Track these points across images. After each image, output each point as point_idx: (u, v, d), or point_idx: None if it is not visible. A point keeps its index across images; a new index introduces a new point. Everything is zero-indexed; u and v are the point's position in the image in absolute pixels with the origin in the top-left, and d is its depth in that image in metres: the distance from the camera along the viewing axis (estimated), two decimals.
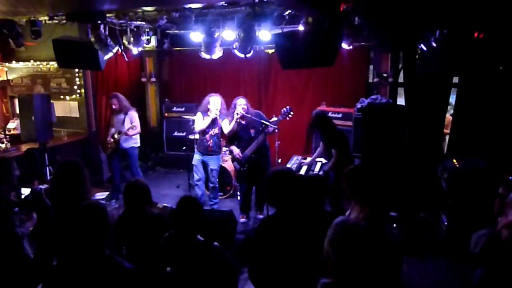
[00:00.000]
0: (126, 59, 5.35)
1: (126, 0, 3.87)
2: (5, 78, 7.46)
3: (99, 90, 7.26)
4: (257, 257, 2.54)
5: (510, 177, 3.25)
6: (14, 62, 7.22)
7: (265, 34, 4.40)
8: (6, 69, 7.40)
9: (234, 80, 7.71)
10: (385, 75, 6.40)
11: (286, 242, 2.42)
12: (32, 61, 7.10)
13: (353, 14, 4.07)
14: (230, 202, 6.16)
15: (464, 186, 4.47)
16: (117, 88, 7.39)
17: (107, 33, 4.34)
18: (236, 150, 5.30)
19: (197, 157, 5.58)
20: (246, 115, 5.15)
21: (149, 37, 5.16)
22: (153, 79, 8.25)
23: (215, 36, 4.45)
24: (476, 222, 3.37)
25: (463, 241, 3.15)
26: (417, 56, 5.23)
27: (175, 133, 7.87)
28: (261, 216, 5.49)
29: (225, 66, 7.31)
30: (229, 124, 5.24)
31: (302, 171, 5.45)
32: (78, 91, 7.02)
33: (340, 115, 6.54)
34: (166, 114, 7.99)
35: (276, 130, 5.17)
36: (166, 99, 8.20)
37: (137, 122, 6.01)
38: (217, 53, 4.64)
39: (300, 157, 6.08)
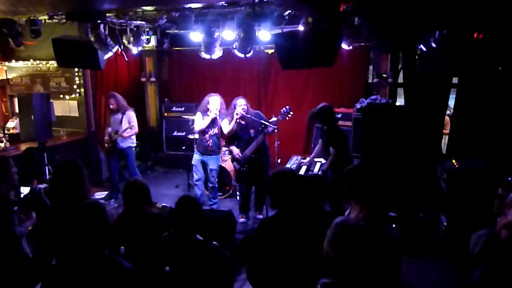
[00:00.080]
0: (126, 59, 5.35)
1: (126, 0, 3.86)
2: (5, 77, 7.45)
3: (99, 90, 7.25)
4: (256, 258, 2.53)
5: (510, 178, 3.25)
6: (13, 61, 7.21)
7: (265, 34, 4.40)
8: (5, 68, 7.39)
9: (233, 80, 7.71)
10: (384, 75, 6.41)
11: (286, 243, 2.42)
12: (31, 60, 7.10)
13: (353, 14, 4.08)
14: (229, 202, 6.16)
15: (464, 187, 4.48)
16: (117, 88, 7.38)
17: (107, 32, 4.34)
18: (235, 150, 5.30)
19: (196, 157, 5.58)
20: (246, 115, 5.15)
21: (148, 37, 5.16)
22: (153, 79, 8.24)
23: (215, 36, 4.45)
24: (475, 223, 3.37)
25: (463, 241, 3.15)
26: (416, 57, 5.24)
27: (175, 133, 7.87)
28: (261, 216, 5.49)
29: (225, 66, 7.31)
30: (229, 124, 5.24)
31: (302, 171, 5.45)
32: (78, 90, 7.01)
33: (339, 115, 6.52)
34: (165, 114, 7.98)
35: (276, 130, 5.17)
36: (166, 99, 8.19)
37: (135, 122, 6.01)
38: (217, 53, 4.65)
39: (299, 157, 6.08)
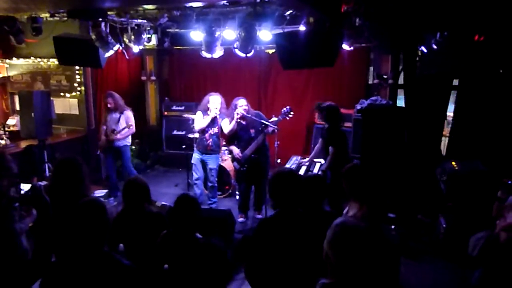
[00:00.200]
0: (127, 57, 5.34)
1: None
2: (5, 75, 7.45)
3: (99, 88, 7.26)
4: (255, 257, 2.54)
5: (509, 181, 3.25)
6: (14, 58, 7.22)
7: (265, 34, 4.40)
8: (6, 65, 7.40)
9: (234, 79, 7.71)
10: (385, 76, 6.41)
11: (284, 243, 2.42)
12: (32, 58, 7.10)
13: (354, 15, 4.08)
14: (228, 201, 6.16)
15: (463, 189, 4.48)
16: (117, 86, 7.39)
17: (108, 31, 4.34)
18: (236, 150, 5.30)
19: (196, 156, 5.58)
20: (247, 115, 5.16)
21: (149, 36, 5.17)
22: (153, 78, 8.25)
23: (216, 35, 4.45)
24: (474, 225, 3.38)
25: (462, 243, 3.15)
26: (417, 58, 5.24)
27: (175, 132, 7.87)
28: (260, 216, 5.49)
29: (226, 66, 7.31)
30: (229, 124, 5.24)
31: (301, 172, 5.45)
32: (78, 88, 7.02)
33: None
34: (165, 113, 7.98)
35: (276, 130, 5.17)
36: (166, 98, 8.19)
37: (133, 122, 6.00)
38: (218, 52, 4.65)
39: (299, 157, 6.09)
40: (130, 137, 6.14)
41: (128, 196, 2.88)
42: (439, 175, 4.89)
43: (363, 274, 1.59)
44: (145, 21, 4.89)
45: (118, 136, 5.86)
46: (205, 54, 4.65)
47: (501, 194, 3.21)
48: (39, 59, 7.08)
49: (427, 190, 5.14)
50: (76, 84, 7.00)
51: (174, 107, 7.89)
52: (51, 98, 6.17)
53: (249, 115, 5.18)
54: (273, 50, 6.56)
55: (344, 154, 4.78)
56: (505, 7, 3.98)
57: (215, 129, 5.42)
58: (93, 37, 4.30)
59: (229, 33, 4.53)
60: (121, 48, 4.61)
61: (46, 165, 5.84)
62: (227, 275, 1.94)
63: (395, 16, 3.92)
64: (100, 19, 4.21)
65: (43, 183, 2.82)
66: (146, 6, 4.37)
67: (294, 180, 2.56)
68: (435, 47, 4.52)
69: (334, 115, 4.87)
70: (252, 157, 5.24)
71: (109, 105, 5.96)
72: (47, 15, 4.57)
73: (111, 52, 4.49)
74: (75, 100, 7.06)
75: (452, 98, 5.76)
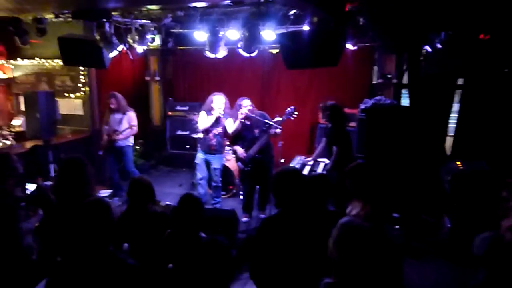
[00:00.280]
0: (131, 58, 5.36)
1: None
2: (11, 76, 7.50)
3: (103, 88, 7.27)
4: (258, 256, 2.54)
5: None
6: (19, 59, 7.26)
7: (269, 33, 4.40)
8: (11, 66, 7.44)
9: (237, 79, 7.71)
10: (389, 76, 6.39)
11: (287, 241, 2.43)
12: (37, 58, 7.14)
13: (358, 14, 4.07)
14: (232, 201, 6.17)
15: (467, 189, 4.46)
16: (121, 87, 7.40)
17: (112, 31, 4.36)
18: (240, 150, 5.30)
19: (200, 156, 5.59)
20: (251, 115, 5.16)
21: (153, 36, 5.18)
22: (157, 78, 8.26)
23: (220, 35, 4.46)
24: (479, 225, 3.36)
25: (466, 243, 3.13)
26: (421, 58, 5.22)
27: (179, 132, 7.88)
28: (264, 216, 5.49)
29: (229, 66, 7.31)
30: (233, 124, 5.24)
31: (305, 171, 5.45)
32: (83, 89, 7.05)
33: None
34: (169, 113, 8.00)
35: (279, 131, 5.16)
36: (170, 98, 8.21)
37: (135, 122, 6.01)
38: (222, 52, 4.65)
39: (303, 157, 6.08)
40: (132, 137, 6.15)
41: (133, 195, 2.89)
42: (444, 175, 4.87)
43: (367, 274, 1.59)
44: (149, 21, 4.90)
45: (120, 136, 5.87)
46: (208, 54, 4.66)
47: (505, 194, 3.20)
48: (43, 60, 7.11)
49: (432, 190, 5.12)
50: (80, 85, 7.03)
51: (178, 107, 7.91)
52: (56, 99, 6.20)
53: (253, 115, 5.18)
54: (277, 50, 6.56)
55: (348, 154, 4.77)
56: (509, 6, 3.96)
57: (219, 129, 5.42)
58: (97, 37, 4.32)
59: (233, 33, 4.53)
60: (125, 48, 4.63)
61: (51, 165, 5.86)
62: (231, 271, 1.95)
63: (399, 15, 3.91)
64: (104, 20, 4.23)
65: (48, 183, 2.84)
66: (150, 7, 4.38)
67: (297, 178, 2.57)
68: (439, 46, 4.50)
69: (338, 115, 4.86)
70: (256, 157, 5.24)
71: (111, 106, 5.98)
72: (52, 16, 4.60)
73: (115, 53, 4.50)
74: (80, 101, 7.09)
75: (457, 98, 5.74)
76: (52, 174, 5.74)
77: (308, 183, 2.76)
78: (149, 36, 4.90)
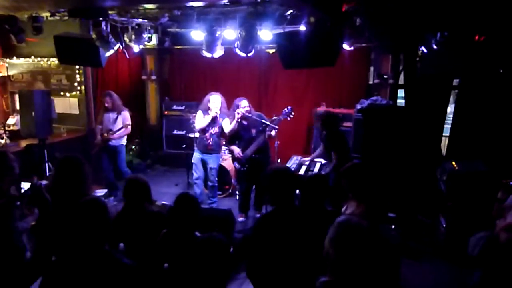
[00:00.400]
0: (127, 57, 5.34)
1: None
2: (6, 74, 7.45)
3: (99, 87, 7.25)
4: (255, 254, 2.55)
5: (511, 182, 3.25)
6: (14, 58, 7.22)
7: (266, 33, 4.40)
8: (6, 64, 7.40)
9: (234, 79, 7.70)
10: (385, 76, 6.41)
11: (283, 239, 2.44)
12: (33, 57, 7.10)
13: (355, 15, 4.08)
14: (229, 201, 6.16)
15: (463, 189, 4.48)
16: (117, 86, 7.39)
17: (108, 30, 4.34)
18: (236, 149, 5.30)
19: (196, 155, 5.58)
20: (247, 115, 5.16)
21: (150, 35, 5.16)
22: (154, 77, 8.24)
23: (217, 35, 4.45)
24: (474, 225, 3.38)
25: (462, 243, 3.15)
26: (417, 58, 5.24)
27: (175, 131, 7.87)
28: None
29: (226, 65, 7.30)
30: (230, 124, 5.24)
31: (302, 171, 5.46)
32: (78, 88, 7.02)
33: (340, 116, 6.54)
34: (166, 112, 7.98)
35: (275, 131, 5.17)
36: (166, 97, 8.19)
37: (130, 122, 5.97)
38: (218, 52, 4.65)
39: (299, 157, 6.09)
40: (125, 137, 6.11)
41: (129, 195, 2.88)
42: (439, 175, 4.89)
43: (363, 273, 1.60)
44: (146, 20, 4.89)
45: (115, 136, 5.84)
46: (205, 53, 4.65)
47: (501, 194, 3.22)
48: (39, 58, 7.08)
49: (427, 190, 5.15)
50: (76, 84, 7.00)
51: (174, 107, 7.89)
52: (52, 98, 6.17)
53: (250, 115, 5.18)
54: (274, 50, 6.56)
55: (346, 156, 4.79)
56: (505, 7, 3.98)
57: (216, 129, 5.42)
58: (94, 36, 4.30)
59: (230, 33, 4.54)
60: (121, 47, 4.61)
61: (46, 164, 5.83)
62: (229, 268, 1.94)
63: (395, 16, 3.92)
64: (101, 19, 4.21)
65: (44, 182, 2.82)
66: (146, 6, 4.37)
67: (289, 176, 2.60)
68: (435, 47, 4.52)
69: (330, 122, 4.89)
70: (253, 157, 5.24)
71: (106, 104, 5.93)
72: (48, 14, 4.57)
73: (111, 52, 4.49)
74: (75, 100, 7.06)
75: (452, 98, 5.77)
76: (48, 173, 5.71)
77: (307, 183, 2.78)
78: (145, 35, 4.88)
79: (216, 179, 5.64)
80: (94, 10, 4.14)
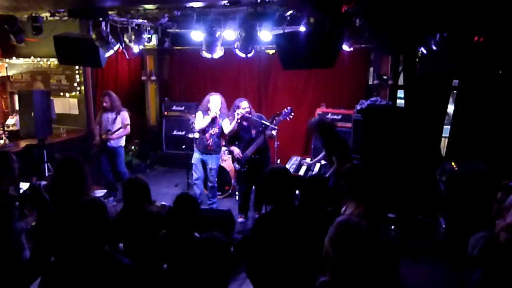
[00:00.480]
0: (127, 57, 5.34)
1: None
2: (5, 74, 7.45)
3: (99, 88, 7.25)
4: (254, 254, 2.55)
5: (511, 183, 3.25)
6: (14, 58, 7.22)
7: (266, 34, 4.40)
8: (6, 65, 7.40)
9: (234, 80, 7.71)
10: (385, 77, 6.42)
11: (282, 239, 2.44)
12: (32, 57, 7.10)
13: (355, 16, 4.09)
14: (228, 202, 6.16)
15: (463, 189, 4.49)
16: (117, 86, 7.39)
17: (108, 30, 4.34)
18: (236, 150, 5.30)
19: (196, 156, 5.58)
20: (247, 115, 5.16)
21: (150, 36, 5.16)
22: (153, 78, 8.24)
23: (216, 35, 4.45)
24: (474, 225, 3.38)
25: (461, 243, 3.16)
26: (417, 59, 5.25)
27: (175, 132, 7.87)
28: None
29: (226, 66, 7.31)
30: (230, 124, 5.24)
31: (301, 172, 5.46)
32: (78, 88, 7.02)
33: (339, 117, 6.56)
34: (165, 113, 7.98)
35: (275, 132, 5.17)
36: (166, 98, 8.19)
37: (129, 122, 5.94)
38: (218, 52, 4.65)
39: (299, 157, 6.10)
40: (124, 138, 6.09)
41: (128, 195, 2.88)
42: (439, 176, 4.90)
43: (362, 273, 1.60)
44: (146, 21, 4.89)
45: (114, 136, 5.82)
46: (205, 54, 4.65)
47: (501, 195, 3.23)
48: (39, 59, 7.07)
49: (427, 191, 5.15)
50: (76, 84, 7.00)
51: (174, 107, 7.90)
52: (51, 98, 6.16)
53: (250, 116, 5.18)
54: (273, 51, 6.57)
55: (347, 158, 4.80)
56: (504, 8, 3.99)
57: (216, 129, 5.42)
58: (94, 36, 4.30)
59: (230, 33, 4.54)
60: (121, 48, 4.61)
61: (46, 164, 5.82)
62: (230, 267, 1.94)
63: (395, 17, 3.93)
64: (101, 19, 4.21)
65: (43, 182, 2.83)
66: (146, 6, 4.37)
67: (287, 176, 2.61)
68: (435, 48, 4.53)
69: (325, 129, 4.89)
70: (253, 157, 5.24)
71: (104, 104, 5.91)
72: (48, 14, 4.57)
73: (111, 52, 4.48)
74: (75, 100, 7.06)
75: (452, 99, 5.78)
76: (47, 173, 5.70)
77: (306, 183, 2.79)
78: (145, 36, 4.88)
79: (216, 179, 5.64)
80: (94, 10, 4.14)
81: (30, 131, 5.84)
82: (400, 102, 6.16)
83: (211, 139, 5.42)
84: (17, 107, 6.66)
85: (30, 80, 7.29)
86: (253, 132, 5.26)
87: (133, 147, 7.75)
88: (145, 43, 5.04)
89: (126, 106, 6.13)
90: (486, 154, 4.98)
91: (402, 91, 5.90)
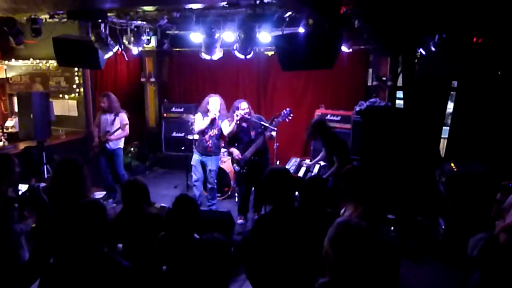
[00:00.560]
0: (126, 59, 5.34)
1: None
2: (4, 76, 7.45)
3: (98, 90, 7.25)
4: (254, 256, 2.55)
5: (510, 184, 3.25)
6: (13, 60, 7.21)
7: (265, 35, 4.41)
8: (5, 67, 7.39)
9: (233, 81, 7.72)
10: (384, 78, 6.43)
11: (281, 240, 2.44)
12: (31, 59, 7.10)
13: (353, 17, 4.09)
14: (228, 203, 6.16)
15: (462, 190, 4.49)
16: (116, 88, 7.39)
17: (107, 32, 4.34)
18: (236, 152, 5.29)
19: (196, 157, 5.58)
20: (247, 117, 5.16)
21: (149, 37, 5.16)
22: (153, 79, 8.24)
23: (216, 37, 4.46)
24: (473, 226, 3.38)
25: (461, 245, 3.15)
26: (416, 60, 5.26)
27: (174, 134, 7.87)
28: None
29: (225, 68, 7.32)
30: (229, 126, 5.24)
31: (301, 173, 5.46)
32: (77, 90, 7.02)
33: (338, 118, 6.56)
34: (165, 115, 7.98)
35: (274, 133, 5.17)
36: (165, 100, 8.19)
37: (127, 122, 5.91)
38: (217, 54, 4.65)
39: (298, 159, 6.09)
40: (123, 140, 6.07)
41: (127, 197, 2.88)
42: (438, 177, 4.90)
43: (362, 274, 1.60)
44: (145, 22, 4.89)
45: (112, 137, 5.81)
46: (204, 56, 4.66)
47: (500, 196, 3.22)
48: (38, 61, 7.07)
49: (426, 192, 5.15)
50: (75, 86, 6.99)
51: (173, 109, 7.89)
52: (50, 100, 6.15)
53: (249, 117, 5.18)
54: (272, 52, 6.57)
55: (347, 159, 4.80)
56: (503, 9, 4.00)
57: (215, 131, 5.42)
58: (93, 38, 4.30)
59: (229, 35, 4.54)
60: (120, 49, 4.61)
61: (45, 166, 5.82)
62: (231, 269, 1.94)
63: (394, 18, 3.93)
64: (100, 21, 4.21)
65: (42, 184, 2.83)
66: (145, 8, 4.37)
67: (287, 177, 2.60)
68: (433, 49, 4.54)
69: (322, 129, 4.89)
70: (252, 159, 5.24)
71: (102, 104, 5.89)
72: (47, 16, 4.57)
73: (110, 54, 4.48)
74: (74, 102, 7.05)
75: (451, 100, 5.78)
76: (46, 175, 5.69)
77: (306, 185, 2.79)
78: (144, 38, 4.88)
79: (215, 181, 5.63)
80: (93, 12, 4.14)
81: (29, 133, 5.84)
82: (399, 103, 6.17)
83: (211, 141, 5.42)
84: (16, 109, 6.65)
85: (29, 82, 7.29)
86: (253, 133, 5.26)
87: (132, 149, 7.75)
88: (144, 45, 5.04)
89: (125, 107, 6.12)
90: (485, 155, 4.98)
91: (401, 92, 5.91)
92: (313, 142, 6.65)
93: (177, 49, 7.37)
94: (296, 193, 2.96)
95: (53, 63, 6.87)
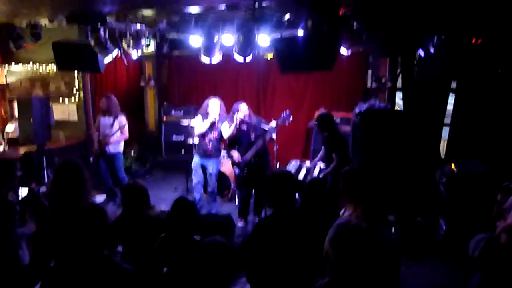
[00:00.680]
0: (126, 63, 5.34)
1: (126, 2, 3.88)
2: (4, 81, 7.45)
3: (98, 94, 7.25)
4: (254, 259, 2.54)
5: (511, 185, 3.25)
6: (13, 64, 7.22)
7: (264, 38, 4.42)
8: (5, 71, 7.40)
9: (232, 84, 7.73)
10: (383, 80, 6.43)
11: (281, 243, 2.44)
12: (31, 63, 7.10)
13: (352, 18, 4.10)
14: (228, 206, 6.15)
15: (462, 191, 4.48)
16: (116, 92, 7.37)
17: (106, 36, 4.35)
18: (236, 154, 5.29)
19: (196, 160, 5.57)
20: (246, 119, 5.16)
21: (148, 41, 5.17)
22: (152, 83, 8.25)
23: (215, 40, 4.47)
24: (474, 227, 3.38)
25: (462, 245, 3.15)
26: (415, 62, 5.26)
27: (174, 137, 7.86)
28: None
29: (224, 71, 7.33)
30: (229, 128, 5.24)
31: (301, 175, 5.45)
32: (77, 94, 7.02)
33: (338, 120, 6.56)
34: (164, 118, 7.98)
35: (274, 136, 5.17)
36: (165, 103, 8.20)
37: (126, 124, 5.90)
38: (217, 57, 4.66)
39: (298, 160, 6.09)
40: (122, 144, 6.06)
41: (127, 200, 2.88)
42: (439, 177, 4.90)
43: (362, 274, 1.60)
44: (144, 26, 4.90)
45: (111, 139, 5.81)
46: (204, 59, 4.66)
47: (500, 197, 3.22)
48: (38, 65, 7.08)
49: (427, 193, 5.15)
50: (75, 90, 7.00)
51: (173, 112, 7.88)
52: (50, 104, 6.16)
53: (249, 120, 5.19)
54: (271, 55, 6.59)
55: (346, 159, 4.79)
56: (502, 10, 4.01)
57: (215, 134, 5.42)
58: (92, 42, 4.31)
59: (228, 38, 4.55)
60: (120, 53, 4.62)
61: (45, 170, 5.81)
62: (233, 272, 1.94)
63: (392, 19, 3.94)
64: (99, 24, 4.22)
65: (42, 188, 2.84)
66: (145, 12, 4.38)
67: (289, 181, 2.59)
68: (432, 50, 4.54)
69: (328, 123, 4.88)
70: (252, 161, 5.23)
71: (101, 105, 5.89)
72: (47, 21, 4.59)
73: (110, 57, 4.49)
74: (74, 106, 7.06)
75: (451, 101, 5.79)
76: (46, 179, 5.69)
77: (306, 188, 2.78)
78: (144, 41, 4.89)
79: (216, 184, 5.63)
80: (92, 15, 4.15)
81: (29, 137, 5.83)
82: (399, 105, 6.18)
83: (211, 144, 5.42)
84: (16, 114, 6.66)
85: (29, 87, 7.29)
86: (252, 136, 5.26)
87: (132, 152, 7.74)
88: (144, 49, 5.05)
89: (125, 111, 6.12)
90: (486, 155, 4.98)
91: (401, 93, 5.92)
92: (313, 144, 6.65)
93: (177, 52, 7.39)
94: (297, 195, 2.95)
95: (53, 67, 6.88)
